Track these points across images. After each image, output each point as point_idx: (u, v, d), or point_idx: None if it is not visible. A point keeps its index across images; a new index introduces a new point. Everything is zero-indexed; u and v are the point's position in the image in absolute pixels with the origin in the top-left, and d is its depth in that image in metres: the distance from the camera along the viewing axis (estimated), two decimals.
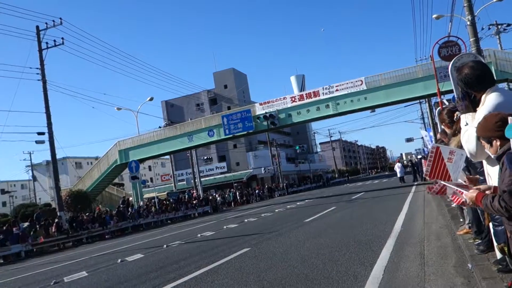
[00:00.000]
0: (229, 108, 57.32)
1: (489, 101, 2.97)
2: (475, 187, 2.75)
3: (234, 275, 6.74)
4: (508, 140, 2.52)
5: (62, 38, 26.83)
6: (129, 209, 28.94)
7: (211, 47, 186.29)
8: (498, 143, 2.65)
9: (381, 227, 9.69)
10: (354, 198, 22.24)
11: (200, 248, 10.83)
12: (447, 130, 5.17)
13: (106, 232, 24.86)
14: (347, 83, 29.44)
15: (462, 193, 2.78)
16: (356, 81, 29.05)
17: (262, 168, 61.91)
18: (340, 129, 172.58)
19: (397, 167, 32.57)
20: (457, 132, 4.60)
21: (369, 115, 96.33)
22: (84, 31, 68.05)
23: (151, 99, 38.11)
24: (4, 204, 77.94)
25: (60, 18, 26.26)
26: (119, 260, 10.87)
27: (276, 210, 21.94)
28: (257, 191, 48.43)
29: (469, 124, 3.23)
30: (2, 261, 18.94)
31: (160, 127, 41.47)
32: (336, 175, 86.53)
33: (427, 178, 4.07)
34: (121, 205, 29.59)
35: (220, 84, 69.66)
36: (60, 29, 27.05)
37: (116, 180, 50.38)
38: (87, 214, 26.85)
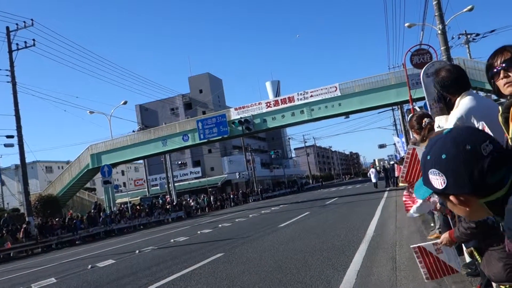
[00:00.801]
0: (204, 112, 57.07)
1: (462, 104, 3.02)
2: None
3: (207, 281, 6.68)
4: None
5: (33, 40, 26.27)
6: (101, 214, 28.39)
7: (186, 52, 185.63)
8: None
9: (354, 232, 9.78)
10: (328, 204, 22.40)
11: (173, 254, 10.69)
12: (416, 136, 5.27)
13: (77, 238, 24.32)
14: (321, 89, 29.72)
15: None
16: (331, 87, 29.37)
17: (237, 173, 61.75)
18: (314, 134, 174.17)
19: (371, 173, 33.05)
20: (425, 138, 4.69)
21: (343, 121, 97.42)
22: (56, 33, 66.77)
23: (125, 102, 37.57)
24: None
25: (32, 19, 25.70)
26: (90, 266, 10.63)
27: (251, 215, 21.89)
28: (231, 196, 48.27)
29: (443, 126, 3.29)
30: None
31: (133, 131, 40.87)
32: (310, 181, 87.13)
33: (401, 181, 4.13)
34: (93, 210, 29.00)
35: (195, 89, 69.33)
36: (32, 30, 26.48)
37: (88, 185, 49.39)
38: (57, 219, 26.21)
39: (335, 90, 29.20)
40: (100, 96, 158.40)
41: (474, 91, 3.34)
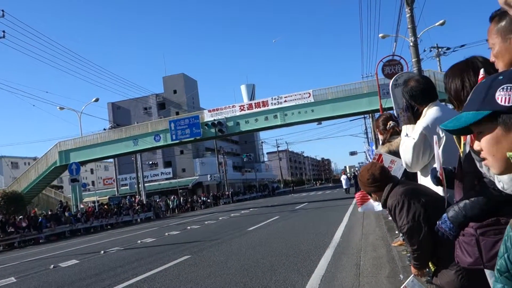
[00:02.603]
0: (177, 113, 56.65)
1: (429, 114, 3.10)
2: None
3: (172, 283, 6.61)
4: (382, 190, 2.89)
5: (3, 31, 25.46)
6: (65, 213, 27.73)
7: (161, 51, 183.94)
8: (375, 195, 3.01)
9: (321, 237, 9.87)
10: (298, 208, 22.55)
11: (139, 255, 10.54)
12: (380, 136, 5.37)
13: (41, 236, 23.69)
14: (295, 95, 29.95)
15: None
16: (304, 94, 29.63)
17: (208, 176, 61.46)
18: (287, 139, 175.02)
19: (343, 179, 33.54)
20: (386, 141, 4.81)
21: (316, 127, 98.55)
22: (28, 25, 65.07)
23: (97, 100, 36.89)
24: None
25: (2, 10, 24.89)
26: (52, 266, 10.37)
27: (220, 218, 21.82)
28: (202, 198, 47.99)
29: (409, 135, 3.37)
30: None
31: (104, 129, 40.16)
32: (282, 185, 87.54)
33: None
34: (59, 209, 28.30)
35: (169, 89, 68.73)
36: (2, 21, 25.55)
37: (55, 183, 48.29)
38: (20, 217, 25.45)
39: (309, 96, 29.48)
40: (71, 92, 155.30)
41: (443, 103, 3.43)
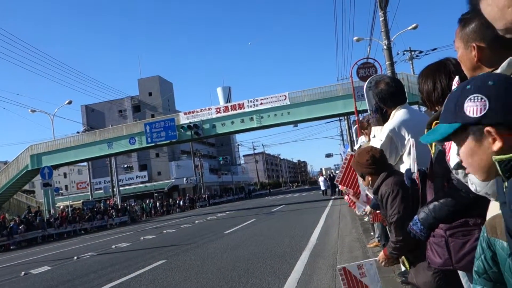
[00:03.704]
0: (153, 116, 56.10)
1: (396, 117, 3.13)
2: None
3: None
4: (378, 175, 2.83)
5: None
6: (37, 218, 27.07)
7: (136, 53, 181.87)
8: (370, 178, 2.94)
9: (297, 240, 9.91)
10: (274, 211, 22.60)
11: (113, 260, 10.37)
12: (365, 138, 5.42)
13: (12, 242, 23.05)
14: (271, 97, 30.05)
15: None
16: (280, 96, 29.76)
17: (185, 179, 61.02)
18: (263, 142, 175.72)
19: (321, 181, 33.83)
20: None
21: (292, 129, 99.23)
22: None
23: (70, 102, 36.24)
24: None
25: None
26: (23, 273, 10.09)
27: (196, 222, 21.68)
28: (178, 201, 47.61)
29: (377, 136, 3.41)
30: None
31: (78, 132, 39.43)
32: (258, 188, 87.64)
33: (339, 185, 4.24)
34: (27, 214, 27.57)
35: (144, 91, 68.04)
36: None
37: (27, 187, 47.10)
38: None
39: (285, 99, 29.62)
40: (44, 95, 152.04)
41: (415, 106, 3.47)
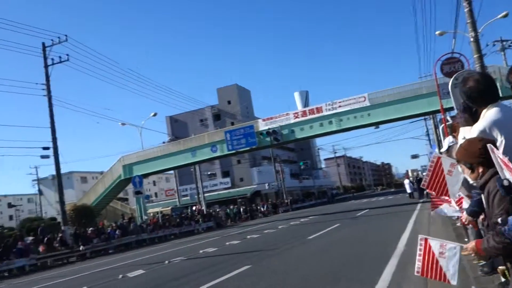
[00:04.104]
0: (232, 123, 57.44)
1: (487, 116, 2.89)
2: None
3: None
4: (491, 167, 2.44)
5: (67, 55, 27.05)
6: (131, 224, 28.85)
7: (215, 63, 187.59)
8: (481, 169, 2.56)
9: (384, 246, 9.59)
10: (359, 215, 22.08)
11: (201, 265, 10.75)
12: (453, 139, 5.15)
13: (110, 247, 24.79)
14: (350, 100, 29.47)
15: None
16: (359, 98, 29.08)
17: (266, 184, 61.70)
18: (344, 145, 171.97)
19: (406, 183, 32.49)
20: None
21: (373, 131, 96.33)
22: (88, 47, 68.81)
23: (155, 114, 38.37)
24: (11, 217, 78.05)
25: (65, 35, 26.52)
26: (120, 276, 10.79)
27: (279, 227, 21.80)
28: (261, 207, 48.21)
29: (466, 138, 3.16)
30: (6, 274, 18.90)
31: (164, 142, 41.55)
32: (341, 191, 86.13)
33: (426, 189, 3.98)
34: (123, 221, 29.48)
35: (223, 100, 69.98)
36: (65, 45, 27.10)
37: (121, 195, 50.40)
38: (91, 229, 26.80)
39: (364, 100, 28.90)
40: (131, 108, 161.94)
41: (508, 102, 3.21)
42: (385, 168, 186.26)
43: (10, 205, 73.87)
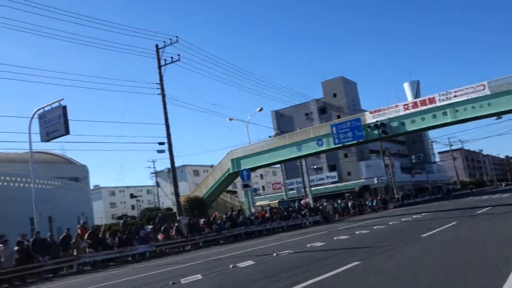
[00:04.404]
0: (338, 117, 56.53)
1: None
2: None
3: None
4: None
5: (178, 55, 28.70)
6: (240, 217, 29.88)
7: (319, 55, 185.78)
8: None
9: (509, 247, 8.74)
10: (478, 213, 20.41)
11: (308, 259, 10.76)
12: None
13: (221, 237, 25.96)
14: (467, 88, 27.27)
15: None
16: (478, 86, 26.75)
17: (375, 178, 59.85)
18: (461, 137, 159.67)
19: None
20: None
21: (494, 122, 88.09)
22: (196, 46, 72.61)
23: (261, 109, 39.26)
24: (133, 207, 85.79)
25: (176, 36, 28.12)
26: (231, 266, 11.21)
27: (390, 223, 21.00)
28: (369, 202, 46.92)
29: None
30: (130, 259, 20.78)
31: (270, 136, 42.33)
32: (458, 187, 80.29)
33: None
34: (232, 212, 30.62)
35: (329, 93, 69.11)
36: (176, 46, 28.79)
37: (230, 188, 52.50)
38: (202, 219, 28.31)
39: (484, 89, 26.53)
40: (238, 103, 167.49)
41: None
42: (510, 162, 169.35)
43: (132, 196, 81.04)
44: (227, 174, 38.89)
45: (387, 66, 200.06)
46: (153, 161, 67.57)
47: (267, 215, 32.04)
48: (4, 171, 30.72)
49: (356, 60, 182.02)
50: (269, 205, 38.20)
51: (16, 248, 17.13)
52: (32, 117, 21.80)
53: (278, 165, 51.56)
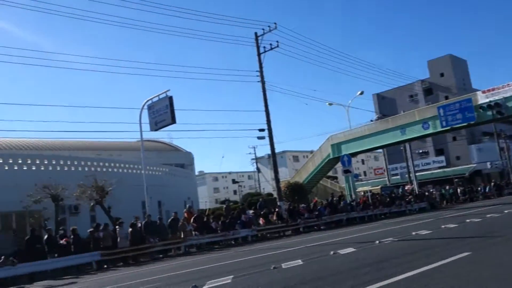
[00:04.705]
0: (446, 98, 52.80)
1: None
2: None
3: (451, 282, 6.18)
4: None
5: (277, 41, 28.91)
6: (341, 202, 29.52)
7: (423, 33, 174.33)
8: None
9: None
10: None
11: (413, 247, 10.32)
12: None
13: (321, 223, 25.92)
14: None
15: None
16: None
17: (488, 163, 55.28)
18: None
19: None
20: None
21: None
22: (294, 32, 71.58)
23: (361, 93, 38.16)
24: (235, 192, 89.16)
25: (275, 23, 28.30)
26: (332, 252, 11.14)
27: (506, 211, 19.31)
28: (481, 188, 43.52)
29: None
30: (233, 242, 21.66)
31: (371, 120, 41.09)
32: None
33: None
34: (333, 198, 30.32)
35: (435, 73, 64.79)
36: (275, 33, 28.99)
37: (330, 173, 52.07)
38: (302, 205, 28.46)
39: None
40: (338, 87, 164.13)
41: None
42: None
43: (234, 181, 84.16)
44: (327, 159, 38.64)
45: (501, 42, 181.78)
46: (254, 148, 69.43)
47: (369, 201, 31.26)
48: (119, 158, 33.68)
49: (467, 36, 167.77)
50: (371, 191, 37.17)
51: (130, 229, 18.72)
52: (142, 108, 23.55)
53: (380, 150, 49.87)
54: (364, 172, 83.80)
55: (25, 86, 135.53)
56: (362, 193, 38.05)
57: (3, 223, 23.47)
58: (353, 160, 36.33)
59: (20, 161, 26.02)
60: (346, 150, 36.04)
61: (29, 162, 26.41)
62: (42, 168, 26.54)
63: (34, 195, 20.66)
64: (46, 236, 17.36)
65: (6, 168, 25.15)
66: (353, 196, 34.11)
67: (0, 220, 23.34)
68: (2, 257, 15.20)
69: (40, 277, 15.37)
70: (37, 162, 26.81)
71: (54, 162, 27.61)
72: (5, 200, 21.79)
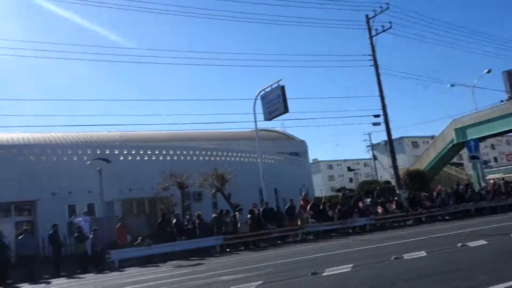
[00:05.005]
0: None
1: None
2: None
3: None
4: None
5: (390, 22, 27.49)
6: (468, 191, 27.30)
7: None
8: None
9: None
10: None
11: None
12: None
13: (446, 213, 24.32)
14: None
15: None
16: None
17: None
18: None
19: None
20: None
21: None
22: (410, 10, 66.73)
23: (489, 71, 34.87)
24: (350, 180, 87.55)
25: (387, 4, 26.93)
26: (459, 244, 10.37)
27: None
28: None
29: None
30: (350, 231, 21.33)
31: (501, 101, 37.30)
32: None
33: None
34: (460, 187, 28.19)
35: None
36: (387, 14, 27.55)
37: (455, 160, 48.58)
38: (423, 193, 26.93)
39: None
40: (461, 67, 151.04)
41: None
42: None
43: (349, 169, 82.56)
44: (450, 145, 36.12)
45: None
46: (369, 134, 67.38)
47: (502, 190, 28.45)
48: (235, 148, 35.05)
49: None
50: (503, 178, 33.84)
51: (248, 216, 19.48)
52: (256, 98, 24.18)
53: None
54: (495, 158, 76.57)
55: (155, 83, 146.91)
56: (493, 181, 34.84)
57: (138, 208, 25.93)
58: (481, 145, 33.42)
59: (149, 152, 28.42)
60: (472, 134, 33.29)
61: (157, 152, 28.74)
62: (168, 158, 28.72)
63: (162, 182, 22.42)
64: (174, 221, 18.87)
65: (138, 158, 27.65)
66: (482, 184, 31.36)
67: (135, 205, 25.81)
68: (139, 238, 17.04)
69: (170, 257, 16.76)
70: (164, 152, 29.07)
71: (178, 152, 29.70)
72: (138, 187, 24.23)
